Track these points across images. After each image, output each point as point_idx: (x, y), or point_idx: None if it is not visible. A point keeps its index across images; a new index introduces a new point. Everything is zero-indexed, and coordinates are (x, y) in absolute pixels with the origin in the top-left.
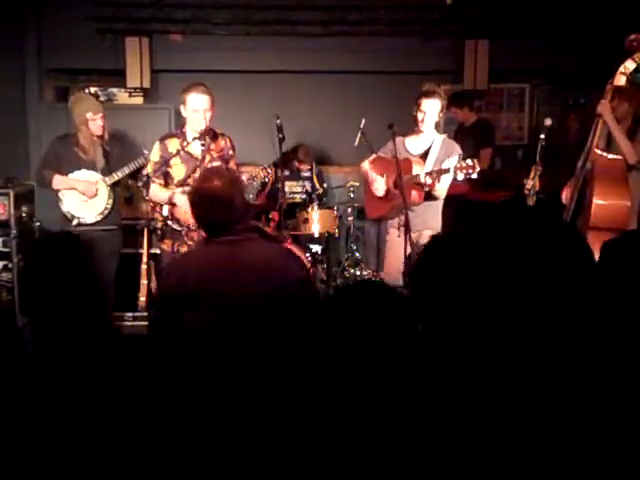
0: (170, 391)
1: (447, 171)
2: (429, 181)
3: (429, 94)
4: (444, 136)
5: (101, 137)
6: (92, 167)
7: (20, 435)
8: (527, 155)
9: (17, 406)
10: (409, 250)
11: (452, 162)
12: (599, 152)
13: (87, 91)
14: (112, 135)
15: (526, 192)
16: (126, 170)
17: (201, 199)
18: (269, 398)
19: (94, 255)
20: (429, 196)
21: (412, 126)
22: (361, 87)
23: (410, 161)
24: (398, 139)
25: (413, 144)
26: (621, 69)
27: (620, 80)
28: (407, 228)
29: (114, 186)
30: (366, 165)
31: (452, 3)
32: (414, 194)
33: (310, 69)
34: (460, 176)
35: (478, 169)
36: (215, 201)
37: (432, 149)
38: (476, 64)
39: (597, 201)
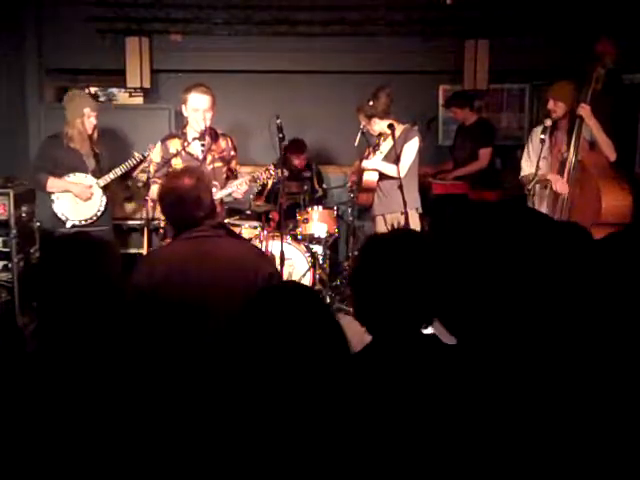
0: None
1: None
2: (363, 164)
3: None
4: (405, 125)
5: (90, 136)
6: (84, 165)
7: (20, 435)
8: None
9: (17, 406)
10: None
11: (412, 146)
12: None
13: (87, 90)
14: (100, 136)
15: (526, 192)
16: (118, 171)
17: (170, 197)
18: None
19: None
20: (388, 177)
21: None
22: (361, 87)
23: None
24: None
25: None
26: (595, 77)
27: (598, 85)
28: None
29: (106, 188)
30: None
31: (452, 3)
32: (366, 177)
33: (310, 69)
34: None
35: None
36: (184, 198)
37: (389, 139)
38: (476, 64)
39: (608, 201)
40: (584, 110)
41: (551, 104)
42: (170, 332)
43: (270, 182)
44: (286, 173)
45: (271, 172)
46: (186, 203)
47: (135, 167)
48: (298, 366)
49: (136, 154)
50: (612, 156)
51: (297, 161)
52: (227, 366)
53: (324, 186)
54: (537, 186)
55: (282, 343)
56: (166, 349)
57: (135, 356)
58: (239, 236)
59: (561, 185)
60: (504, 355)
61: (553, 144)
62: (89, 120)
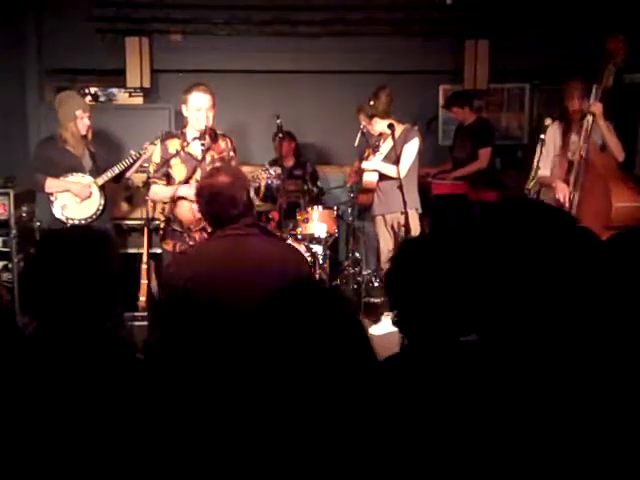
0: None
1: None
2: (363, 165)
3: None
4: (405, 126)
5: (84, 137)
6: (81, 165)
7: (20, 434)
8: (527, 155)
9: (18, 405)
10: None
11: (412, 146)
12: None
13: (86, 90)
14: (94, 135)
15: (526, 192)
16: (116, 170)
17: (207, 193)
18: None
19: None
20: (388, 177)
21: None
22: (361, 87)
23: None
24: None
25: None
26: (606, 75)
27: (609, 82)
28: (407, 229)
29: (103, 187)
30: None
31: (452, 3)
32: (366, 178)
33: (310, 69)
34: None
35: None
36: (220, 195)
37: (388, 139)
38: (476, 64)
39: (617, 204)
40: (596, 107)
41: (576, 104)
42: (201, 331)
43: (263, 183)
44: (280, 171)
45: (270, 172)
46: (221, 201)
47: (131, 165)
48: (318, 370)
49: (132, 152)
50: (620, 156)
51: (285, 150)
52: (244, 370)
53: (319, 184)
54: (543, 189)
55: (302, 345)
56: (196, 348)
57: (149, 358)
58: (274, 234)
59: (564, 196)
60: (538, 360)
61: (565, 144)
62: (82, 121)
